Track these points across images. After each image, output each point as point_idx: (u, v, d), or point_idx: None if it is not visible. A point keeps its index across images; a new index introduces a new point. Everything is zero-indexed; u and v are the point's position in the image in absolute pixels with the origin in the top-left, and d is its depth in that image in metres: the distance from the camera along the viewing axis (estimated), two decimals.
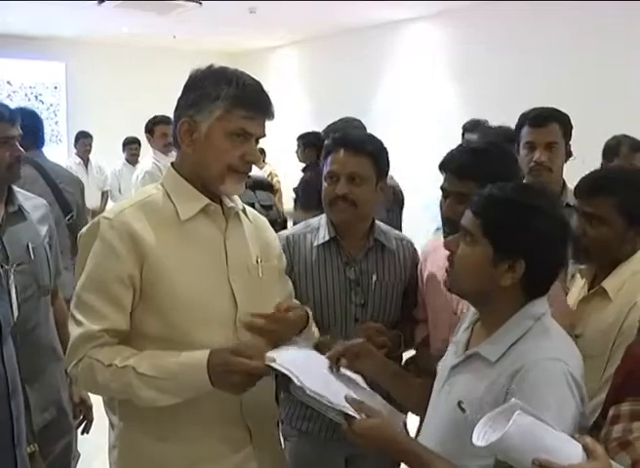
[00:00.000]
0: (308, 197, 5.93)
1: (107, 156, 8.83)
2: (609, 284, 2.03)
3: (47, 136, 10.97)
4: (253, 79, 1.87)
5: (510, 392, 1.52)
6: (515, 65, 6.98)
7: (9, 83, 10.33)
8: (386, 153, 2.34)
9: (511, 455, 1.28)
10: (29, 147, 3.34)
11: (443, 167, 2.18)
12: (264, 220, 2.12)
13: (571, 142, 2.84)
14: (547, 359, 1.54)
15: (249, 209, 2.09)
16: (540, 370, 1.52)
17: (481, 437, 1.32)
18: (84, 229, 1.87)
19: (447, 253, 1.72)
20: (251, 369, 1.68)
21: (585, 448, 1.28)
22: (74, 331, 1.76)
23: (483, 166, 2.02)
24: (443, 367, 1.80)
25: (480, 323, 1.74)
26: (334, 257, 2.33)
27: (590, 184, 2.12)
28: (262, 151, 9.56)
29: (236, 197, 1.96)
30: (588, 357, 1.86)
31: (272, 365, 1.69)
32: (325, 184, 2.32)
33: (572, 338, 1.77)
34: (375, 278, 2.32)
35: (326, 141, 2.40)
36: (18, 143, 2.51)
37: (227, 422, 1.85)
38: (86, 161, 8.61)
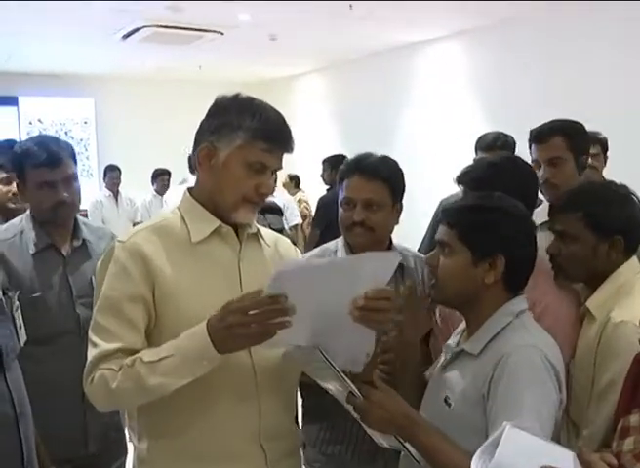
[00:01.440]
0: (320, 216, 5.99)
1: (137, 188, 8.95)
2: (592, 302, 2.01)
3: (79, 171, 11.23)
4: (276, 112, 1.88)
5: (493, 380, 1.63)
6: (539, 84, 6.95)
7: (39, 121, 10.54)
8: (402, 174, 2.34)
9: None
10: None
11: (460, 180, 2.22)
12: (289, 245, 2.10)
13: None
14: (526, 346, 1.67)
15: (271, 232, 2.10)
16: (520, 356, 1.65)
17: (481, 465, 1.31)
18: (103, 255, 1.88)
19: None
20: (246, 304, 1.59)
21: (586, 465, 1.27)
22: (90, 352, 1.77)
23: (499, 179, 2.04)
24: (436, 370, 1.90)
25: (466, 325, 1.86)
26: None
27: (559, 203, 2.13)
28: (296, 178, 9.62)
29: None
30: (578, 380, 1.87)
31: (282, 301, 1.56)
32: (341, 209, 2.33)
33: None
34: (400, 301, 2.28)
35: (341, 166, 2.40)
36: (64, 186, 2.53)
37: (244, 443, 1.83)
38: (116, 193, 8.75)
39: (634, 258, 2.03)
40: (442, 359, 1.89)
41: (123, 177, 8.83)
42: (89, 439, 2.57)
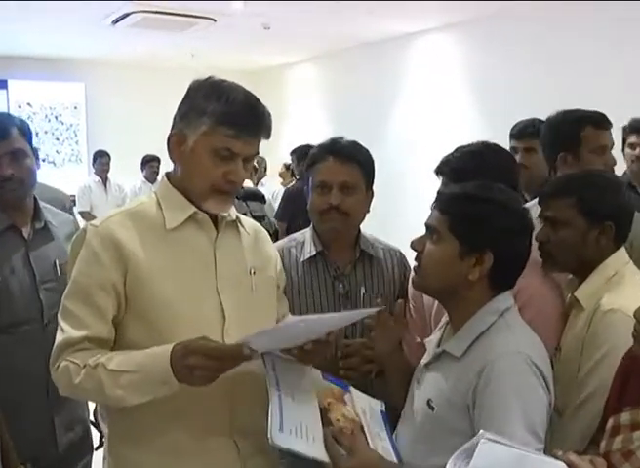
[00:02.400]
0: (285, 209, 5.97)
1: (126, 174, 8.91)
2: (580, 292, 1.99)
3: (67, 156, 11.13)
4: (246, 95, 1.79)
5: (478, 390, 1.57)
6: (530, 76, 6.96)
7: (29, 104, 10.45)
8: (373, 162, 2.30)
9: None
10: None
11: (439, 170, 2.19)
12: (266, 234, 2.07)
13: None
14: (510, 353, 1.60)
15: (252, 221, 2.06)
16: (505, 364, 1.58)
17: None
18: (74, 237, 1.85)
19: None
20: (209, 349, 1.58)
21: (570, 466, 1.27)
22: (58, 338, 1.75)
23: (479, 168, 2.01)
24: (419, 366, 1.84)
25: (449, 321, 1.79)
26: (321, 272, 2.27)
27: (549, 189, 2.12)
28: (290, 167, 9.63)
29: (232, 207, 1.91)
30: (566, 370, 1.88)
31: (247, 345, 1.58)
32: (314, 195, 2.26)
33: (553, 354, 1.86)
34: (364, 291, 2.26)
35: (312, 150, 2.34)
36: (10, 161, 2.40)
37: (215, 437, 1.80)
38: (105, 180, 8.73)
39: (622, 249, 2.02)
40: (426, 354, 1.85)
41: (112, 164, 8.80)
42: (57, 435, 2.48)
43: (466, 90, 8.03)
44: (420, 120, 8.50)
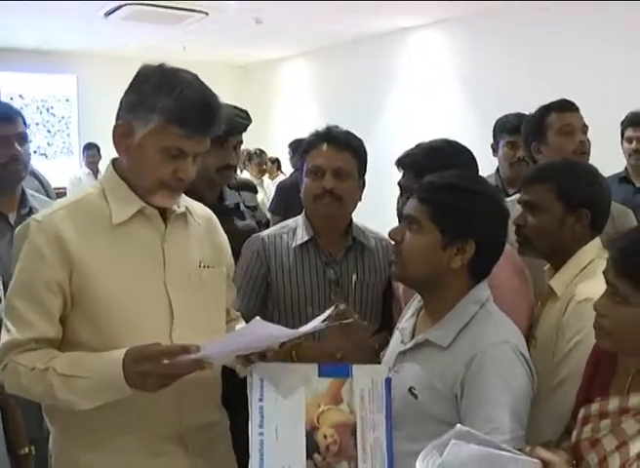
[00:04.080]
0: (279, 202, 5.97)
1: None
2: (555, 281, 2.03)
3: (59, 148, 11.04)
4: (200, 90, 1.70)
5: (467, 380, 1.60)
6: (521, 71, 6.99)
7: (21, 96, 10.41)
8: (366, 152, 2.32)
9: None
10: None
11: (400, 164, 2.22)
12: (217, 222, 2.00)
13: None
14: (498, 343, 1.63)
15: (203, 208, 1.99)
16: (494, 354, 1.61)
17: (428, 464, 1.32)
18: (16, 230, 1.78)
19: None
20: (159, 353, 1.55)
21: (543, 461, 1.31)
22: (3, 337, 1.69)
23: (439, 162, 2.02)
24: (389, 353, 1.85)
25: (424, 310, 1.80)
26: (313, 258, 2.29)
27: (529, 175, 2.17)
28: (277, 161, 9.62)
29: (182, 197, 1.84)
30: (542, 358, 1.92)
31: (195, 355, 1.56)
32: (307, 180, 2.28)
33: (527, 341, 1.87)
34: (355, 278, 2.27)
35: (307, 137, 2.35)
36: (16, 143, 2.51)
37: (163, 435, 1.77)
38: (95, 172, 8.72)
39: (597, 239, 2.05)
40: (395, 342, 1.85)
41: (103, 156, 8.78)
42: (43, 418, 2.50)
43: (457, 85, 8.06)
44: (412, 115, 8.52)
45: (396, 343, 1.85)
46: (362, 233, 2.36)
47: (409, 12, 7.67)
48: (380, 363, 1.90)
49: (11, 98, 10.23)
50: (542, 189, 2.04)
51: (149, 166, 1.71)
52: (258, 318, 1.75)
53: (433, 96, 8.31)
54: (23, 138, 2.55)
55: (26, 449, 2.11)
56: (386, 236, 2.42)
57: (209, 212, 2.00)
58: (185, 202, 1.87)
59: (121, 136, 1.73)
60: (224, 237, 2.02)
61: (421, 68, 8.55)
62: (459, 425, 1.38)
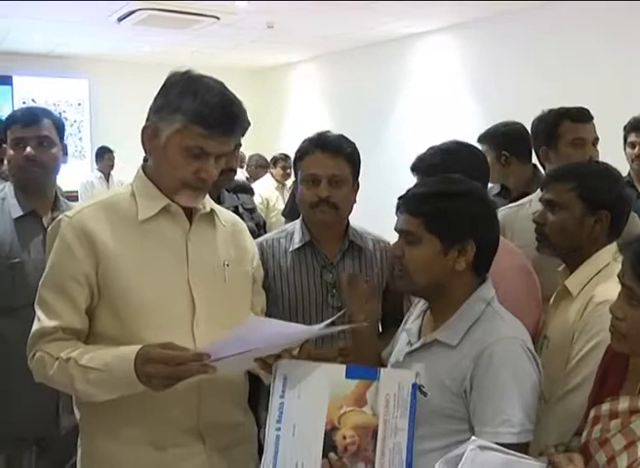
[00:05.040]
0: (293, 206, 5.99)
1: (129, 170, 8.92)
2: (571, 282, 2.04)
3: (71, 152, 11.14)
4: (222, 93, 1.77)
5: (476, 374, 1.63)
6: (533, 77, 6.98)
7: (33, 100, 10.46)
8: (359, 154, 2.33)
9: None
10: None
11: (415, 169, 2.24)
12: (244, 227, 2.07)
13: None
14: (507, 338, 1.66)
15: (230, 213, 2.06)
16: (503, 349, 1.63)
17: None
18: (49, 227, 1.87)
19: None
20: (167, 357, 1.60)
21: (554, 466, 1.31)
22: (34, 326, 1.78)
23: (453, 165, 2.04)
24: (396, 354, 1.87)
25: (430, 311, 1.83)
26: (310, 262, 2.31)
27: (552, 173, 2.19)
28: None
29: (207, 199, 1.91)
30: (555, 358, 1.92)
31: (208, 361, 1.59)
32: (303, 188, 2.29)
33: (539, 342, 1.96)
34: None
35: (300, 144, 2.37)
36: (33, 145, 2.53)
37: (181, 429, 1.81)
38: (107, 176, 8.76)
39: (614, 244, 2.06)
40: (402, 343, 1.87)
41: (115, 160, 8.84)
42: (60, 416, 2.53)
43: (467, 90, 8.05)
44: (422, 120, 8.52)
45: (403, 344, 1.87)
46: (359, 236, 2.37)
47: (419, 17, 7.67)
48: (383, 365, 1.93)
49: (23, 102, 10.32)
50: (564, 188, 2.06)
51: (173, 166, 1.77)
52: (252, 314, 1.80)
53: (443, 101, 8.30)
54: (48, 142, 2.57)
55: None
56: (387, 239, 2.45)
57: (235, 217, 2.07)
58: (212, 205, 1.94)
59: (148, 137, 1.80)
60: (251, 241, 2.08)
61: (432, 73, 8.55)
62: (473, 437, 1.39)
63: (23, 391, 2.32)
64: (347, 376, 1.72)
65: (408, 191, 1.83)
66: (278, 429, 1.70)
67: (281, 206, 7.31)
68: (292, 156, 9.00)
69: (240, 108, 1.78)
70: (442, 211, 1.71)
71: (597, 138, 2.86)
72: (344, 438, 1.66)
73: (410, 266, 1.75)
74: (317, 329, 1.75)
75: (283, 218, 6.31)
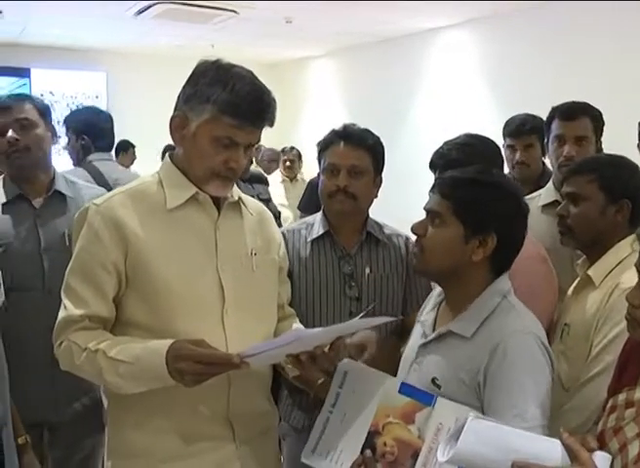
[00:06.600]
0: (309, 199, 6.00)
1: (147, 164, 8.95)
2: (593, 271, 2.07)
3: None
4: (252, 84, 1.77)
5: (490, 368, 1.62)
6: (550, 72, 6.93)
7: (51, 93, 10.52)
8: (383, 149, 2.36)
9: (479, 464, 1.28)
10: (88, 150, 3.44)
11: (433, 165, 2.25)
12: (270, 216, 2.09)
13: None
14: (522, 332, 1.66)
15: (256, 203, 2.07)
16: (518, 343, 1.63)
17: (445, 453, 1.32)
18: (77, 214, 1.86)
19: None
20: (200, 355, 1.62)
21: (568, 450, 1.30)
22: (60, 314, 1.78)
23: (470, 157, 2.09)
24: (410, 347, 1.88)
25: (446, 302, 1.83)
26: (328, 252, 2.34)
27: (573, 167, 2.22)
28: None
29: (234, 188, 1.92)
30: (575, 345, 1.92)
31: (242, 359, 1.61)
32: (323, 177, 2.32)
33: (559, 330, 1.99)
34: (368, 271, 2.32)
35: (325, 136, 2.40)
36: (14, 129, 2.52)
37: (210, 419, 1.82)
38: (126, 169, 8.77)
39: (634, 236, 2.07)
40: (417, 335, 1.88)
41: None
42: (59, 402, 2.53)
43: (485, 85, 8.01)
44: (439, 115, 8.49)
45: (417, 336, 1.88)
46: (378, 228, 2.40)
47: (436, 12, 7.64)
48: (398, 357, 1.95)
49: (41, 95, 10.35)
50: (585, 180, 2.09)
51: (202, 155, 1.78)
52: (295, 326, 1.83)
53: (460, 96, 8.26)
54: (29, 124, 2.55)
55: (24, 439, 2.14)
56: (405, 233, 2.46)
57: (262, 205, 2.09)
58: (239, 193, 1.95)
59: (177, 126, 1.82)
60: (277, 231, 2.10)
61: (449, 68, 8.51)
62: (471, 412, 1.39)
63: (17, 376, 2.33)
64: (400, 392, 1.72)
65: (446, 173, 1.84)
66: (330, 412, 1.75)
67: (282, 203, 7.27)
68: (299, 148, 8.98)
69: (270, 97, 1.79)
70: (471, 197, 1.72)
71: (583, 137, 2.81)
72: (385, 444, 1.66)
73: (428, 245, 1.76)
74: (355, 322, 1.78)
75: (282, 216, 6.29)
